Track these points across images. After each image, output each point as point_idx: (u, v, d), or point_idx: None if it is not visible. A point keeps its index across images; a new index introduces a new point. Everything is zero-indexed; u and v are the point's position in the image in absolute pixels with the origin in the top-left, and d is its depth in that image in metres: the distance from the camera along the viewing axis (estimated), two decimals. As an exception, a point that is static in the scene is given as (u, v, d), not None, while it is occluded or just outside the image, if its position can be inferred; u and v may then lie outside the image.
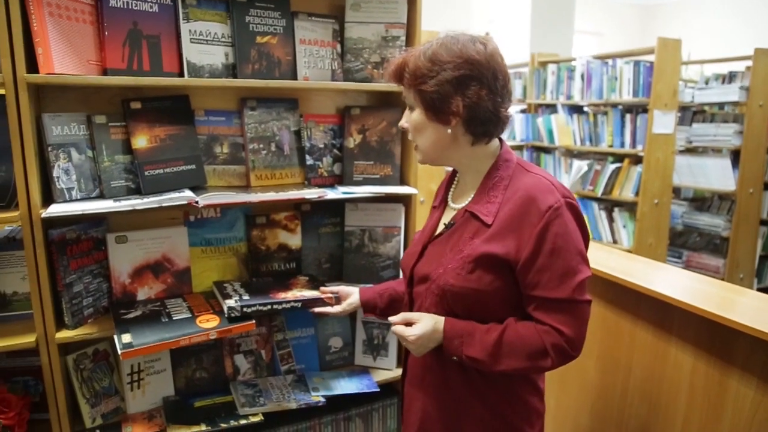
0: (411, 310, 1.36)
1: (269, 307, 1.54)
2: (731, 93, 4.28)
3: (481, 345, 1.19)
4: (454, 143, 1.24)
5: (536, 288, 1.17)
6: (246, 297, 1.56)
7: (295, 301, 1.57)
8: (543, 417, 1.35)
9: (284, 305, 1.56)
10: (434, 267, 1.28)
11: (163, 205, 1.43)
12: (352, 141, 1.82)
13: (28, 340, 1.40)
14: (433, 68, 1.17)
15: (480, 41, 1.20)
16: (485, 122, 1.21)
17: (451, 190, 1.40)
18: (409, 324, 1.26)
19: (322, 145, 1.81)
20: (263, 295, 1.58)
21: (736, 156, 4.28)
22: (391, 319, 1.29)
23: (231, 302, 1.51)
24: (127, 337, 1.41)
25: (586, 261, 1.20)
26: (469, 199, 1.28)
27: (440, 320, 1.24)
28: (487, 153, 1.27)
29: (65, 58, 1.38)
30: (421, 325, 1.23)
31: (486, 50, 1.18)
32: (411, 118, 1.26)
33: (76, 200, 1.47)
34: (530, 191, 1.17)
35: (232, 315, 1.49)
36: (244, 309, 1.50)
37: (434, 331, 1.23)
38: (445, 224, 1.33)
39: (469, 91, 1.17)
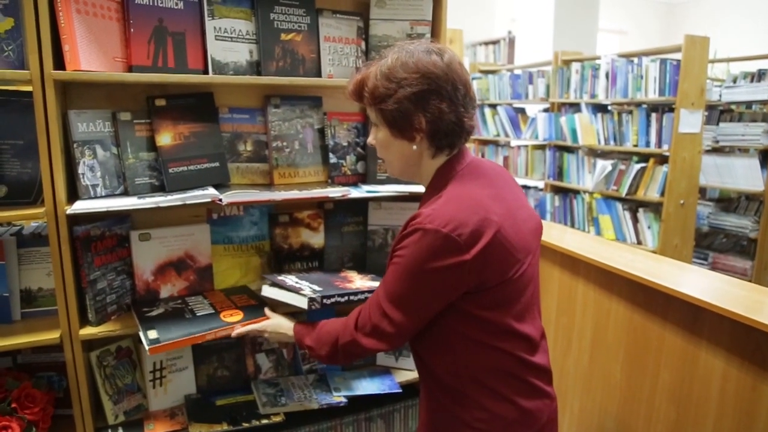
0: None
1: (346, 298, 1.50)
2: (760, 91, 4.18)
3: (313, 337, 1.34)
4: (421, 157, 1.24)
5: None
6: (317, 288, 1.51)
7: (369, 291, 1.53)
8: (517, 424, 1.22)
9: (359, 296, 1.51)
10: None
11: (187, 202, 1.42)
12: (376, 139, 1.80)
13: (52, 336, 1.41)
14: (390, 86, 1.15)
15: (435, 52, 1.17)
16: (449, 134, 1.19)
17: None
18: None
19: (345, 144, 1.80)
20: (330, 286, 1.55)
21: (764, 156, 4.18)
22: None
23: (308, 292, 1.46)
24: (153, 333, 1.41)
25: (413, 288, 1.14)
26: None
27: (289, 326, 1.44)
28: (433, 167, 1.25)
29: (91, 55, 1.38)
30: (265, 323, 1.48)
31: (443, 61, 1.16)
32: (377, 135, 1.25)
33: (101, 197, 1.47)
34: (420, 210, 1.15)
35: (313, 307, 1.43)
36: (324, 300, 1.45)
37: (279, 327, 1.46)
38: None
39: (429, 106, 1.15)
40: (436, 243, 1.09)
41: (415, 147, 1.21)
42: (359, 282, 1.64)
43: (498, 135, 5.63)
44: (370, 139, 1.30)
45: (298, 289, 1.47)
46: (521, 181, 5.21)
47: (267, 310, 1.53)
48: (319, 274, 1.70)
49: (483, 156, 5.73)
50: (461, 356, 1.19)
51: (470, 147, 5.69)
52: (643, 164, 4.06)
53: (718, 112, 4.52)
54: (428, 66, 1.14)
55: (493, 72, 5.83)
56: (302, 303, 1.43)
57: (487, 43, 6.98)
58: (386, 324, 1.18)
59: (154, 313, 1.52)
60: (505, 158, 5.60)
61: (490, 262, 1.12)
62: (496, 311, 1.16)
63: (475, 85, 5.66)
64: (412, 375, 1.86)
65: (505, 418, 1.19)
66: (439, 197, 1.17)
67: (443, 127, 1.18)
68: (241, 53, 1.60)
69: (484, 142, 5.93)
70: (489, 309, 1.16)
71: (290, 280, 1.57)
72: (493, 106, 5.62)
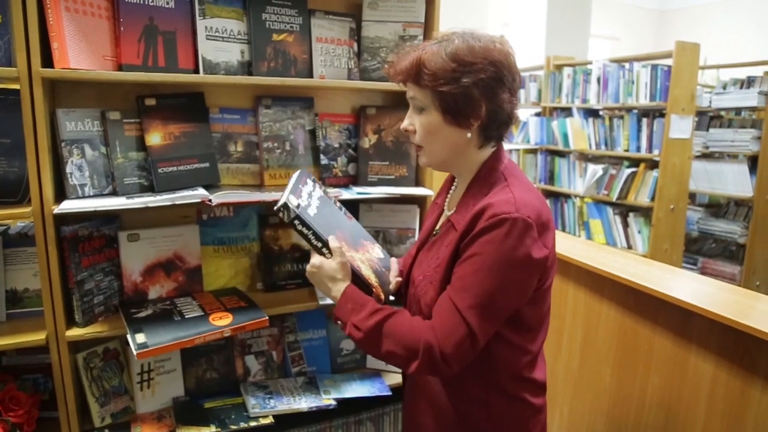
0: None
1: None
2: (749, 98, 4.22)
3: (366, 318, 1.17)
4: (467, 148, 1.20)
5: (451, 281, 1.14)
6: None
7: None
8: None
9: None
10: (418, 273, 1.28)
11: (176, 203, 1.41)
12: (368, 141, 1.80)
13: (38, 337, 1.39)
14: (458, 69, 1.10)
15: (497, 41, 1.15)
16: (501, 125, 1.18)
17: (450, 192, 1.36)
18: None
19: (337, 145, 1.79)
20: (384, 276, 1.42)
21: (753, 162, 4.21)
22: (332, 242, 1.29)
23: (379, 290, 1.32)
24: (141, 337, 1.39)
25: (504, 289, 1.08)
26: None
27: (346, 281, 1.25)
28: (479, 158, 1.22)
29: (80, 54, 1.37)
30: (327, 262, 1.26)
31: (504, 50, 1.14)
32: (421, 120, 1.18)
33: (89, 197, 1.45)
34: (491, 200, 1.11)
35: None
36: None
37: (331, 279, 1.25)
38: (435, 231, 1.32)
39: (493, 94, 1.12)
40: (526, 232, 1.06)
41: (469, 135, 1.16)
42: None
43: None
44: (406, 124, 1.22)
45: (369, 285, 1.32)
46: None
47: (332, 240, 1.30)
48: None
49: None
50: (494, 363, 1.20)
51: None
52: (633, 169, 4.08)
53: (708, 118, 4.55)
54: (495, 54, 1.12)
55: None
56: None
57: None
58: (469, 336, 1.09)
59: (142, 315, 1.50)
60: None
61: (553, 261, 1.15)
62: (536, 310, 1.19)
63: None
64: (401, 378, 1.85)
65: (524, 414, 1.25)
66: (504, 188, 1.13)
67: (500, 118, 1.15)
68: (232, 53, 1.59)
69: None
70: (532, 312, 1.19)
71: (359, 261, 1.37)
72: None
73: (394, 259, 1.48)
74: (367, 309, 1.18)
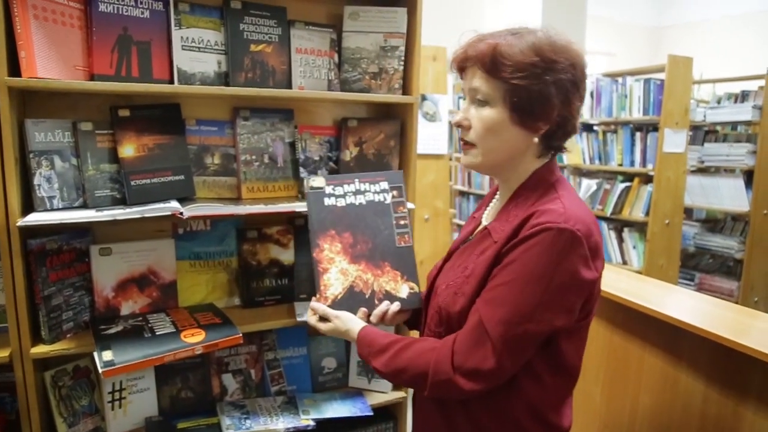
0: (423, 323, 1.25)
1: None
2: (744, 112, 4.20)
3: (382, 358, 1.11)
4: (525, 154, 1.08)
5: (481, 294, 1.04)
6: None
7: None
8: None
9: None
10: (442, 282, 1.17)
11: (146, 215, 1.37)
12: (349, 154, 1.76)
13: (1, 354, 1.34)
14: (540, 64, 0.99)
15: (575, 43, 1.05)
16: (566, 135, 1.07)
17: (492, 203, 1.26)
18: (325, 320, 1.26)
19: (317, 158, 1.76)
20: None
21: (749, 176, 4.18)
22: (312, 304, 1.28)
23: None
24: (108, 355, 1.35)
25: (540, 305, 0.97)
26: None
27: (355, 327, 1.20)
28: (532, 167, 1.10)
29: (50, 63, 1.34)
30: (332, 325, 1.24)
31: (582, 53, 1.05)
32: (483, 114, 1.06)
33: (58, 209, 1.41)
34: (539, 208, 1.01)
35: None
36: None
37: (345, 333, 1.23)
38: (468, 239, 1.21)
39: (569, 99, 1.02)
40: (573, 246, 0.95)
41: (535, 140, 1.05)
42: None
43: (485, 154, 5.63)
44: (460, 118, 1.10)
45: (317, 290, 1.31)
46: (507, 200, 5.18)
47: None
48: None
49: (469, 175, 5.70)
50: (513, 393, 1.07)
51: (455, 166, 5.67)
52: (627, 183, 4.05)
53: (703, 133, 4.53)
54: (574, 55, 1.02)
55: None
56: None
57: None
58: (493, 354, 0.99)
59: (111, 332, 1.45)
60: (491, 177, 5.59)
61: (598, 293, 1.07)
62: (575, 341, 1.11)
63: (461, 105, 5.69)
64: (385, 397, 1.80)
65: None
66: (554, 198, 1.03)
67: (567, 126, 1.06)
68: (208, 64, 1.56)
69: (472, 161, 5.92)
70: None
71: None
72: (480, 125, 5.62)
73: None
74: (379, 347, 1.13)
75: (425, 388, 1.05)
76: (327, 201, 1.30)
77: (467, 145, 1.11)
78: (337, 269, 1.29)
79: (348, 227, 1.31)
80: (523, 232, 0.99)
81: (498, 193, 1.24)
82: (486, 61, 1.03)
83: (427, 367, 1.04)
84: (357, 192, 1.35)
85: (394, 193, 1.38)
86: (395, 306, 1.27)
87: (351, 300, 1.28)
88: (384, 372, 1.12)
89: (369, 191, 1.36)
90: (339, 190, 1.33)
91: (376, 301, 1.28)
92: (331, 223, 1.30)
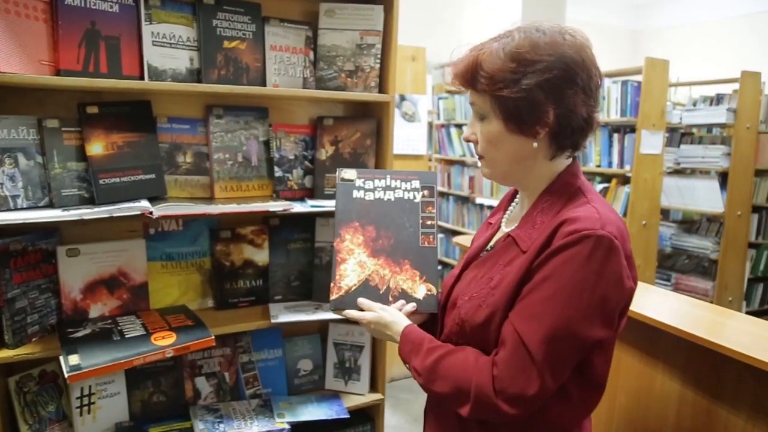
0: (440, 332, 1.17)
1: None
2: (719, 115, 4.25)
3: (423, 360, 1.05)
4: (536, 159, 1.04)
5: (514, 308, 0.98)
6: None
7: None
8: None
9: None
10: (462, 293, 1.11)
11: (115, 215, 1.33)
12: (324, 153, 1.74)
13: (-38, 359, 1.29)
14: (518, 70, 0.96)
15: (568, 33, 0.99)
16: (575, 132, 1.01)
17: (510, 209, 1.20)
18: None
19: (292, 157, 1.73)
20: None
21: (723, 178, 4.23)
22: (360, 300, 1.20)
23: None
24: (74, 359, 1.31)
25: (585, 319, 0.91)
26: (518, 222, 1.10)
27: (401, 322, 1.13)
28: (551, 170, 1.06)
29: (12, 57, 1.29)
30: (378, 315, 1.15)
31: (576, 42, 0.99)
32: (482, 128, 1.04)
33: (22, 209, 1.37)
34: (571, 215, 0.96)
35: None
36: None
37: (387, 326, 1.13)
38: (488, 248, 1.16)
39: (563, 96, 0.97)
40: (612, 253, 0.90)
41: (535, 145, 1.01)
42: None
43: (464, 155, 5.62)
44: (468, 133, 1.08)
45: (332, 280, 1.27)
46: (486, 202, 5.19)
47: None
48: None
49: (449, 176, 5.71)
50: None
51: (436, 167, 5.67)
52: (605, 185, 4.07)
53: (679, 135, 4.58)
54: (564, 48, 0.96)
55: (459, 92, 5.84)
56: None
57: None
58: (538, 377, 0.92)
59: (79, 335, 1.41)
60: (471, 178, 5.58)
61: (629, 303, 1.01)
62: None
63: (441, 105, 5.67)
64: (362, 399, 1.78)
65: None
66: (584, 203, 0.98)
67: (572, 124, 0.99)
68: (180, 60, 1.53)
69: (450, 162, 5.91)
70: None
71: None
72: (460, 126, 5.62)
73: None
74: (423, 349, 1.06)
75: (466, 409, 0.99)
76: (356, 193, 1.29)
77: (480, 157, 1.10)
78: (355, 261, 1.26)
79: (373, 221, 1.29)
80: (557, 240, 0.94)
81: (517, 197, 1.20)
82: (468, 78, 1.02)
83: (468, 385, 0.98)
84: (387, 188, 1.33)
85: (425, 192, 1.35)
86: (410, 306, 1.21)
87: (364, 293, 1.24)
88: (421, 375, 1.05)
89: (399, 188, 1.34)
90: (369, 184, 1.32)
91: (391, 299, 1.24)
92: (356, 214, 1.28)
